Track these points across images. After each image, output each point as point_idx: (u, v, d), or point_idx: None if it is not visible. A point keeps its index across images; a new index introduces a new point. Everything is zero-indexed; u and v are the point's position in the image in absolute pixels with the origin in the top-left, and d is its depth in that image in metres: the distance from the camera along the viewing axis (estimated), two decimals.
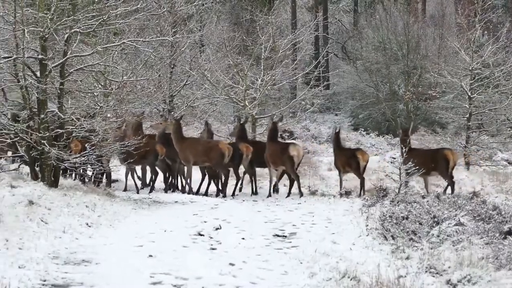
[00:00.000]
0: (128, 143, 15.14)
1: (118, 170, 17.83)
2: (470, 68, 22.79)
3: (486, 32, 29.37)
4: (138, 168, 17.75)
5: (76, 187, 14.07)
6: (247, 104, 23.05)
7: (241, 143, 17.26)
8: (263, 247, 10.10)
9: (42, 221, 10.31)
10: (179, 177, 17.92)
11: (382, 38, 35.24)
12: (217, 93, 23.78)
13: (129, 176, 17.27)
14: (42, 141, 13.10)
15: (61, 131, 13.72)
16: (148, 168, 17.45)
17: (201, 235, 10.88)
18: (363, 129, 32.42)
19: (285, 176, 17.35)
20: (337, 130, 17.63)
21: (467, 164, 22.22)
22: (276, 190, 17.07)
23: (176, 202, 15.06)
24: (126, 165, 16.55)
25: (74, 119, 13.77)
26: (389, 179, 15.86)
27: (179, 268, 8.46)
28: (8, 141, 13.38)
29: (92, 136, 14.06)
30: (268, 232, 11.28)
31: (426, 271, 8.03)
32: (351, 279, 7.81)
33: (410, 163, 15.11)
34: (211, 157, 16.57)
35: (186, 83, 24.47)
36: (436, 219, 10.14)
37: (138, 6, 14.51)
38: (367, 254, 9.10)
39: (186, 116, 22.98)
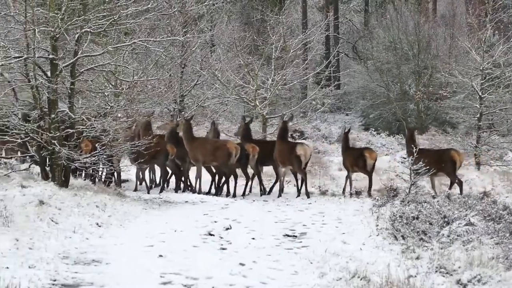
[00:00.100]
0: (138, 143, 15.18)
1: (129, 170, 17.88)
2: (481, 68, 22.68)
3: (497, 31, 29.29)
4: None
5: (87, 187, 14.07)
6: (257, 104, 23.06)
7: (247, 143, 17.28)
8: (273, 247, 10.11)
9: (52, 221, 10.33)
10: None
11: (393, 38, 35.09)
12: (228, 93, 23.82)
13: (139, 175, 17.33)
14: (53, 141, 13.12)
15: (71, 131, 13.72)
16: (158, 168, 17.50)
17: (211, 235, 10.90)
18: (373, 129, 32.27)
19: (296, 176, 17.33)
20: (346, 130, 17.64)
21: (478, 164, 22.13)
22: (281, 189, 17.05)
23: (186, 202, 15.11)
24: (137, 165, 16.59)
25: (85, 119, 13.80)
26: (399, 179, 15.83)
27: (189, 268, 8.48)
28: (19, 141, 13.40)
29: (103, 136, 14.08)
30: (278, 232, 11.29)
31: (436, 271, 8.02)
32: (361, 279, 7.82)
33: (420, 163, 15.08)
34: (217, 156, 16.60)
35: (197, 83, 24.55)
36: (446, 219, 10.13)
37: (149, 6, 14.55)
38: (377, 254, 9.10)
39: (197, 116, 23.02)
